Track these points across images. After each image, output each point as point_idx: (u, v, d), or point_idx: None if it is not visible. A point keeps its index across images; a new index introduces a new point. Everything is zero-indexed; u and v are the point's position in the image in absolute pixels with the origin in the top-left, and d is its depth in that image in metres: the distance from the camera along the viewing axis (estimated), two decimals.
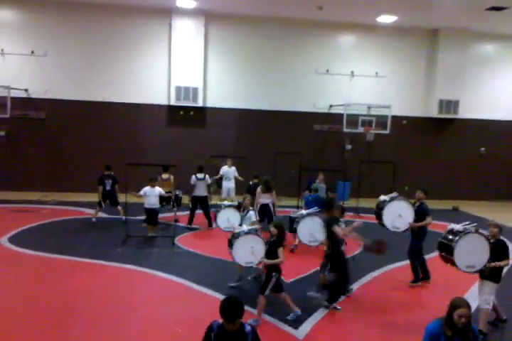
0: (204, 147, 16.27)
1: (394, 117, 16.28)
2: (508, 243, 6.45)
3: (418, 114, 17.98)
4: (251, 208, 8.73)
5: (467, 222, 6.66)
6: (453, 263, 6.44)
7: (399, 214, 7.91)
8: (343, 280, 7.22)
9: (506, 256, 6.28)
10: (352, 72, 17.42)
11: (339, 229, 7.15)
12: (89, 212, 12.75)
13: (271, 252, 6.66)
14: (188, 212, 12.16)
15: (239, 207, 9.34)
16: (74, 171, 15.68)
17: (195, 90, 16.34)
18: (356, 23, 16.97)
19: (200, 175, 11.94)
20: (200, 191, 11.95)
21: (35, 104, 15.92)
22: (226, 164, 13.73)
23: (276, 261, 6.58)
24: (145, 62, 16.54)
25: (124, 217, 11.89)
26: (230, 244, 7.11)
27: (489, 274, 6.28)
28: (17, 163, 15.93)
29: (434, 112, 17.78)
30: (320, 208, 9.56)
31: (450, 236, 6.56)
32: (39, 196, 14.98)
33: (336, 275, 7.19)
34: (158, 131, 16.69)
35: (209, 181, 12.06)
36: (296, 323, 6.60)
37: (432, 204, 15.22)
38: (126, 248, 10.12)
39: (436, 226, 9.19)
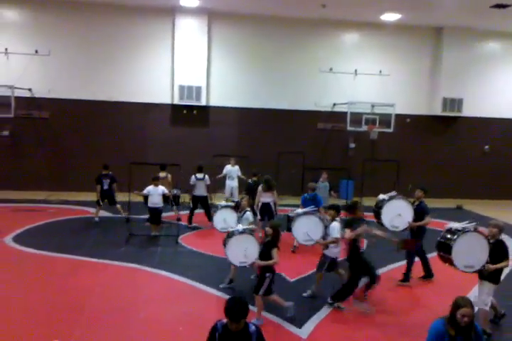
0: (207, 146, 16.28)
1: (398, 115, 16.25)
2: (507, 243, 6.32)
3: (422, 112, 17.94)
4: (248, 209, 8.69)
5: (467, 221, 6.60)
6: (451, 263, 6.33)
7: (398, 214, 7.84)
8: (354, 282, 7.15)
9: (505, 257, 6.16)
10: (355, 71, 17.38)
11: (346, 233, 7.17)
12: (93, 211, 12.78)
13: (265, 253, 6.62)
14: (188, 212, 12.19)
15: (236, 208, 9.30)
16: (77, 170, 15.70)
17: (199, 89, 16.35)
18: (360, 21, 16.92)
19: (199, 175, 11.95)
20: (200, 191, 11.96)
21: (39, 103, 15.97)
22: (230, 163, 13.75)
23: (269, 262, 6.53)
24: (148, 61, 16.55)
25: (125, 216, 11.98)
26: (225, 243, 7.11)
27: (488, 275, 6.18)
28: (21, 162, 15.99)
29: (438, 110, 17.72)
30: (317, 207, 9.55)
31: (448, 235, 6.44)
32: (44, 195, 15.05)
33: (349, 275, 7.15)
34: (162, 130, 16.71)
35: (208, 181, 12.06)
36: (299, 322, 6.60)
37: (436, 203, 15.29)
38: (129, 247, 10.14)
39: (439, 225, 9.16)
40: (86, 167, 15.52)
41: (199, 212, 12.22)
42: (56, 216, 12.70)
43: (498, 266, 6.12)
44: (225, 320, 3.97)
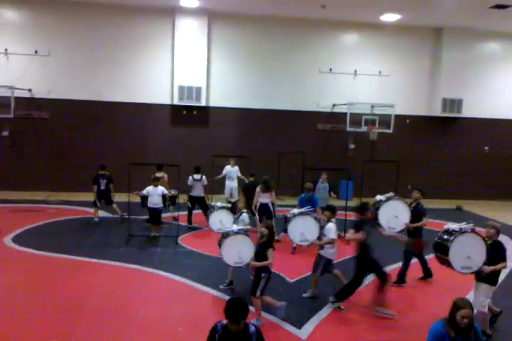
0: (207, 146, 16.28)
1: (397, 116, 16.26)
2: (504, 245, 6.28)
3: (422, 113, 17.95)
4: (245, 210, 8.68)
5: (464, 222, 6.59)
6: (448, 264, 6.28)
7: (395, 215, 7.79)
8: (357, 283, 7.13)
9: (503, 259, 6.11)
10: (355, 71, 17.39)
11: (349, 233, 7.25)
12: (93, 211, 12.78)
13: (260, 253, 6.62)
14: (184, 212, 12.20)
15: (232, 209, 9.26)
16: (77, 171, 15.69)
17: (199, 90, 16.35)
18: (359, 21, 16.94)
19: (196, 176, 11.97)
20: (197, 191, 11.99)
21: (39, 104, 15.97)
22: (229, 164, 13.75)
23: (264, 263, 6.52)
24: (148, 61, 16.56)
25: (120, 215, 12.17)
26: (220, 244, 7.12)
27: (485, 276, 6.13)
28: (21, 162, 16.01)
29: (437, 111, 17.73)
30: (313, 207, 9.53)
31: (445, 236, 6.39)
32: (43, 196, 15.05)
33: (355, 273, 7.12)
34: (162, 130, 16.72)
35: (205, 182, 12.08)
36: (299, 323, 6.61)
37: (436, 204, 15.33)
38: (129, 247, 10.14)
39: (439, 225, 9.14)
40: (86, 167, 15.49)
41: (197, 212, 12.23)
42: (56, 216, 12.70)
43: (496, 267, 6.07)
44: (224, 321, 3.98)
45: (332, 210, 7.67)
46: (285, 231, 8.89)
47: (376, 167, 15.93)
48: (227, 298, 6.72)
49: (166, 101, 16.67)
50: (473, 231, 6.32)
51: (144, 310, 6.88)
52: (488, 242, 6.17)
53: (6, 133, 15.88)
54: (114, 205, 12.38)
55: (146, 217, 11.39)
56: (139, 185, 10.99)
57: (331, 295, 7.30)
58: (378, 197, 8.26)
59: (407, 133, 17.45)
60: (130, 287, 7.80)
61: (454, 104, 17.59)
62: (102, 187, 12.15)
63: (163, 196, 11.21)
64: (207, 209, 11.93)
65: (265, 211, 10.63)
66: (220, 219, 9.14)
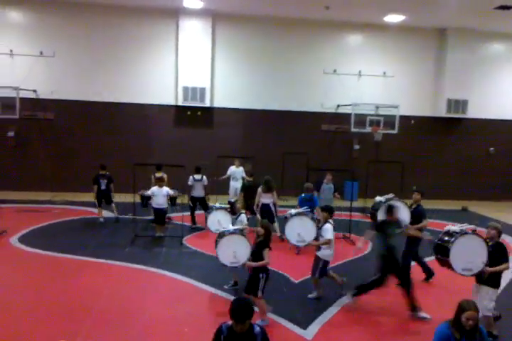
0: (211, 147, 16.31)
1: (402, 117, 16.22)
2: (506, 246, 6.20)
3: (426, 114, 17.91)
4: (243, 211, 8.67)
5: (465, 223, 6.55)
6: (449, 266, 6.23)
7: None
8: (379, 282, 7.05)
9: (505, 260, 6.01)
10: (359, 72, 17.37)
11: (368, 233, 7.31)
12: (97, 212, 12.82)
13: (256, 253, 6.61)
14: (185, 212, 12.22)
15: (231, 210, 9.22)
16: (82, 171, 15.72)
17: (203, 90, 16.37)
18: (363, 22, 16.93)
19: (197, 176, 12.01)
20: (198, 192, 12.04)
21: (44, 104, 16.04)
22: (234, 164, 13.78)
23: (260, 263, 6.51)
24: (152, 62, 16.60)
25: (115, 216, 12.28)
26: (216, 244, 7.13)
27: (487, 279, 6.03)
28: (26, 163, 16.08)
29: (442, 112, 17.68)
30: (313, 207, 9.52)
31: (446, 238, 6.35)
32: (48, 196, 15.11)
33: (379, 275, 7.02)
34: (166, 131, 16.76)
35: (206, 182, 12.10)
36: (304, 324, 6.61)
37: (441, 204, 15.32)
38: (134, 248, 10.18)
39: (442, 227, 9.14)
40: (91, 168, 15.48)
41: (199, 213, 12.26)
42: (61, 216, 12.76)
43: (497, 268, 6.00)
44: (230, 322, 3.98)
45: (329, 211, 7.60)
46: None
47: (381, 168, 15.90)
48: (231, 298, 6.72)
49: (171, 102, 16.70)
50: (474, 232, 6.27)
51: (150, 310, 6.90)
52: (490, 243, 6.10)
53: (11, 133, 15.96)
54: (113, 205, 12.44)
55: (151, 217, 11.44)
56: (143, 186, 11.02)
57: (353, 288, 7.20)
58: (378, 199, 8.26)
59: (411, 134, 17.42)
60: (135, 287, 7.82)
61: (459, 104, 17.55)
62: (103, 187, 12.21)
63: (172, 196, 11.24)
64: (208, 209, 11.97)
65: (266, 211, 10.67)
66: (218, 220, 9.16)
